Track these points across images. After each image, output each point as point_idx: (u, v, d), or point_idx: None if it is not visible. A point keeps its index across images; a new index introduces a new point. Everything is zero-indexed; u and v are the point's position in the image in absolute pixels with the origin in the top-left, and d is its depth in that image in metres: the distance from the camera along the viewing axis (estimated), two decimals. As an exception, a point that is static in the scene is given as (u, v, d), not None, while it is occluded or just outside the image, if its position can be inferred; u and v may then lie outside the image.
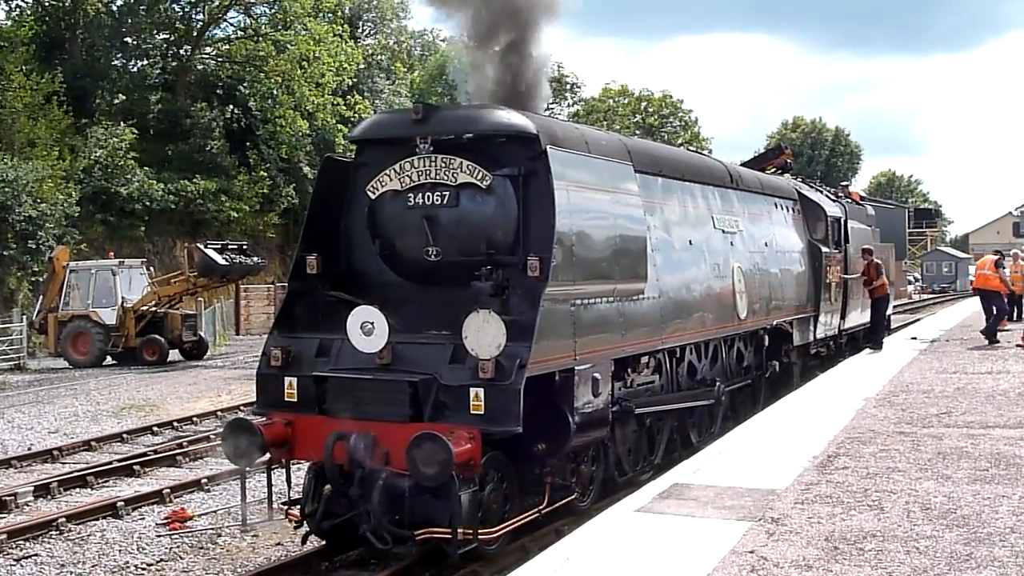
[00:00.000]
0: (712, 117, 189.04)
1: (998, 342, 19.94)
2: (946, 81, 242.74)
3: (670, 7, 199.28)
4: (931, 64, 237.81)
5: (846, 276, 19.38)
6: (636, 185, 11.04)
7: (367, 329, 9.02)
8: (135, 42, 47.07)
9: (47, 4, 44.34)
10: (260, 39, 47.71)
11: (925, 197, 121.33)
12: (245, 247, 32.24)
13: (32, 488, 13.51)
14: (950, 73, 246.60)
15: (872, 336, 20.30)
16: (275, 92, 46.41)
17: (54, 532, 11.48)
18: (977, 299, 21.95)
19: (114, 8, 45.37)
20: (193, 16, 48.69)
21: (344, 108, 48.56)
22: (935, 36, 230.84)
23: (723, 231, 13.77)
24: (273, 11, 48.66)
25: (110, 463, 15.35)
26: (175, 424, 19.05)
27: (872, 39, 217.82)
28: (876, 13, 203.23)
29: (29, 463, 15.78)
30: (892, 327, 27.11)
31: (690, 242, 12.58)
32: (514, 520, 9.18)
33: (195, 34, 48.57)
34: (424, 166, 9.69)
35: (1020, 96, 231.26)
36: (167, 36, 48.42)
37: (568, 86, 76.85)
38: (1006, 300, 21.85)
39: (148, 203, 39.88)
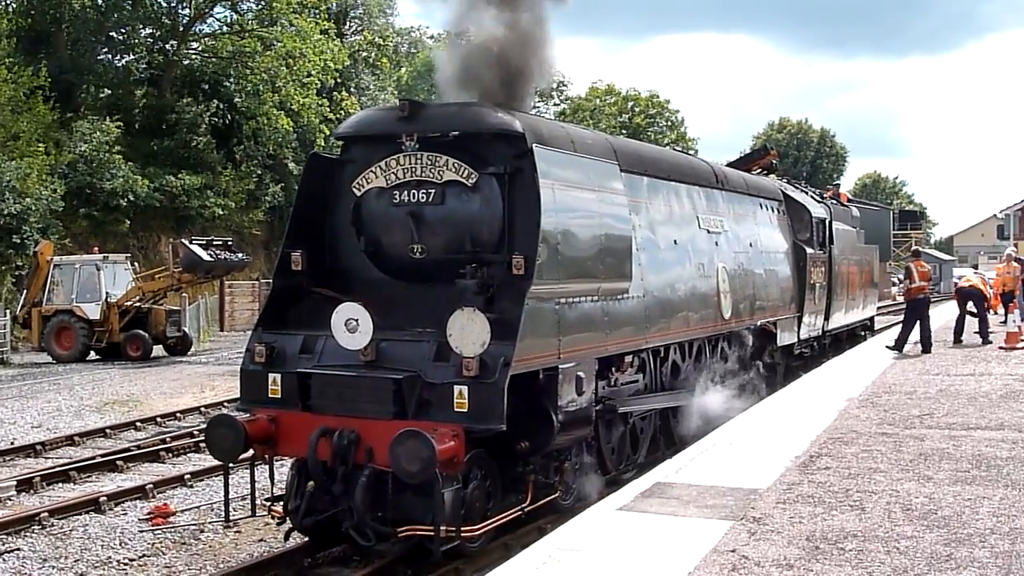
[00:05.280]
0: (696, 117, 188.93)
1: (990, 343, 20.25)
2: (927, 83, 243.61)
3: (648, 6, 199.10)
4: (910, 66, 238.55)
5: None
6: (622, 184, 11.07)
7: (351, 326, 9.02)
8: (120, 37, 46.83)
9: (32, -3, 44.13)
10: (246, 35, 47.57)
11: (910, 199, 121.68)
12: (230, 243, 32.16)
13: (15, 482, 13.46)
14: (930, 75, 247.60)
15: (901, 337, 19.29)
16: (260, 89, 46.27)
17: (36, 527, 11.45)
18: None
19: (99, 2, 45.10)
20: (179, 11, 48.47)
21: (327, 110, 48.40)
22: (914, 38, 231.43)
23: (708, 231, 13.81)
24: (259, 7, 48.49)
25: (93, 458, 15.30)
26: (158, 420, 19.01)
27: (851, 40, 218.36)
28: (854, 14, 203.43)
29: (12, 457, 15.73)
30: (876, 328, 27.23)
31: (675, 242, 12.61)
32: (497, 518, 9.19)
33: (181, 29, 48.34)
34: (410, 163, 9.69)
35: (1001, 99, 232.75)
36: (152, 31, 48.17)
37: (555, 85, 76.83)
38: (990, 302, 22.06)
39: (133, 198, 39.70)
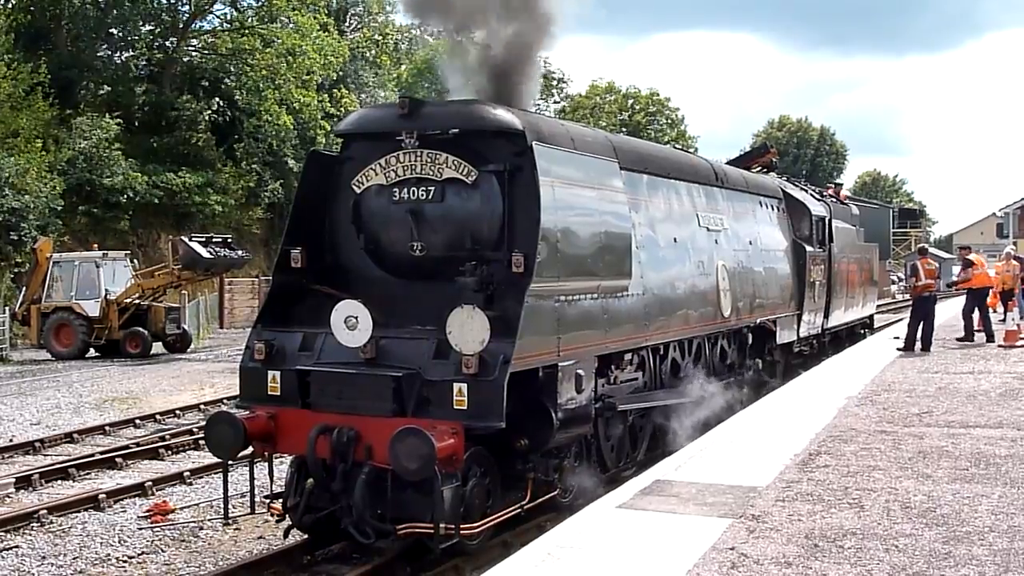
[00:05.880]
0: (696, 115, 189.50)
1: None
2: (926, 81, 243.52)
3: (649, 4, 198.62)
4: (910, 64, 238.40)
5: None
6: (621, 182, 11.06)
7: (351, 323, 9.02)
8: (120, 33, 46.86)
9: (32, -6, 44.16)
10: (246, 32, 47.56)
11: (909, 197, 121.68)
12: (229, 240, 32.17)
13: (13, 480, 13.47)
14: (929, 73, 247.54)
15: (910, 336, 19.11)
16: (260, 86, 46.27)
17: (35, 524, 11.46)
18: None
19: (100, -1, 45.22)
20: (179, 8, 48.51)
21: (328, 105, 48.41)
22: (913, 36, 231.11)
23: (708, 229, 13.80)
24: (259, 4, 48.49)
25: (92, 455, 15.30)
26: (157, 417, 19.01)
27: (850, 39, 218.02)
28: (853, 13, 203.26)
29: (11, 455, 15.73)
30: (875, 326, 27.24)
31: (675, 240, 12.60)
32: (496, 515, 9.19)
33: (181, 26, 48.35)
34: (410, 161, 9.69)
35: (1000, 97, 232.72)
36: (152, 28, 48.20)
37: (554, 82, 76.84)
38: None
39: (132, 195, 39.72)
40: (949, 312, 26.05)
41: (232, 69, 48.01)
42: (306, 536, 9.87)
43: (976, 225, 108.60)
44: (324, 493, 9.13)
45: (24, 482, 13.54)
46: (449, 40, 11.45)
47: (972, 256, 20.53)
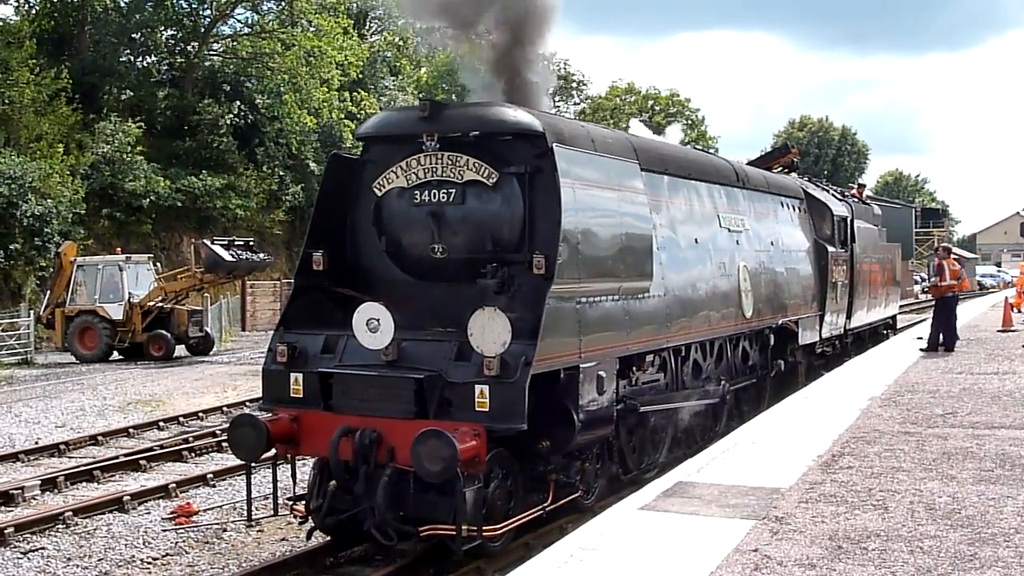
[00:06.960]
0: (716, 115, 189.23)
1: None
2: (947, 80, 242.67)
3: (666, 4, 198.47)
4: (930, 62, 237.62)
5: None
6: (642, 183, 11.05)
7: (373, 326, 9.04)
8: (142, 38, 47.12)
9: (55, 0, 44.39)
10: (267, 36, 47.75)
11: (932, 197, 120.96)
12: (251, 243, 32.28)
13: (39, 482, 13.56)
14: (951, 72, 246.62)
15: (933, 336, 18.96)
16: (281, 89, 46.42)
17: (60, 526, 11.54)
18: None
19: (122, 4, 45.41)
20: (200, 12, 48.71)
21: (351, 104, 48.54)
22: (933, 34, 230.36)
23: (729, 230, 13.77)
24: (280, 7, 48.68)
25: (116, 458, 15.40)
26: (181, 419, 19.11)
27: (870, 37, 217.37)
28: (872, 11, 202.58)
29: (36, 457, 15.85)
30: (898, 327, 27.09)
31: (696, 240, 12.57)
32: (518, 517, 9.19)
33: (202, 30, 48.59)
34: (430, 163, 9.71)
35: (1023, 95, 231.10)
36: (174, 32, 48.46)
37: (574, 84, 76.80)
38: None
39: (155, 199, 39.92)
40: (972, 312, 25.90)
41: (253, 72, 48.18)
42: (329, 538, 9.91)
43: (1000, 224, 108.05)
44: (346, 495, 9.16)
45: (49, 484, 13.63)
46: (458, 41, 11.43)
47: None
